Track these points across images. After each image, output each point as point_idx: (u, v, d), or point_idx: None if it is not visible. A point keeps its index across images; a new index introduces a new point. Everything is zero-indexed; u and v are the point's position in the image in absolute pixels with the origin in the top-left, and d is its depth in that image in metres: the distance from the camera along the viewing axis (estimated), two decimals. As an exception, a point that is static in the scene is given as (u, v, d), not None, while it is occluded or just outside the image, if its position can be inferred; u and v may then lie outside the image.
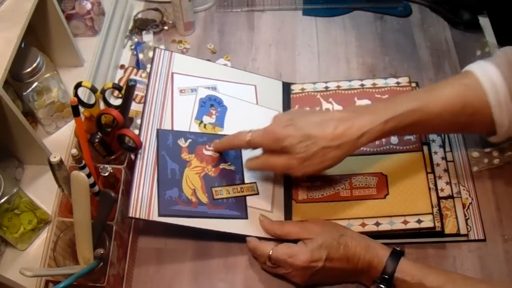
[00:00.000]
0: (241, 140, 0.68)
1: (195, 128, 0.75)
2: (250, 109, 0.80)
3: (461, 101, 0.63)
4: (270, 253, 0.64)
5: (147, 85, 0.76)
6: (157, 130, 0.72)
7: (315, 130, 0.62)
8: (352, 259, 0.62)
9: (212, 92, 0.79)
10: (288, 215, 0.72)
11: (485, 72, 0.64)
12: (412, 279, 0.60)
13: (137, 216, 0.65)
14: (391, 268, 0.61)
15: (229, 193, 0.71)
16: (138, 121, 0.75)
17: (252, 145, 0.67)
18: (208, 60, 0.93)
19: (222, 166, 0.73)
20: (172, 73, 0.78)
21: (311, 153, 0.62)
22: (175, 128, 0.74)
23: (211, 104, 0.78)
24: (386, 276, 0.61)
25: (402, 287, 0.61)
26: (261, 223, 0.69)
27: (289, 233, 0.66)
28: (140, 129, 0.71)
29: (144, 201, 0.66)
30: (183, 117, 0.75)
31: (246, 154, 0.75)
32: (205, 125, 0.76)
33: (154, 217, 0.66)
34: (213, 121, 0.77)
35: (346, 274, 0.64)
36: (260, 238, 0.68)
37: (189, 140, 0.74)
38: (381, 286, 0.61)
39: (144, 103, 0.74)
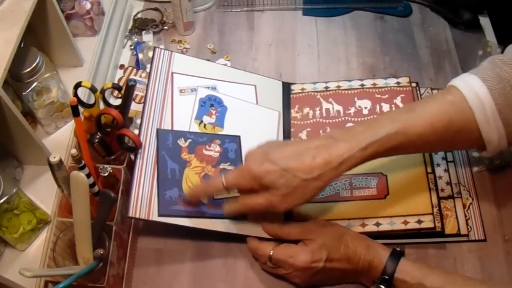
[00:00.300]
0: (216, 186, 0.63)
1: (195, 128, 0.75)
2: (250, 109, 0.80)
3: (445, 120, 0.60)
4: (271, 254, 0.64)
5: (147, 85, 0.76)
6: (157, 130, 0.72)
7: (293, 163, 0.59)
8: (352, 259, 0.62)
9: (212, 92, 0.79)
10: (288, 215, 0.72)
11: (470, 88, 0.60)
12: (412, 279, 0.60)
13: (137, 216, 0.65)
14: (391, 268, 0.61)
15: (229, 193, 0.71)
16: (138, 121, 0.75)
17: (229, 188, 0.63)
18: (208, 60, 0.93)
19: (222, 166, 0.73)
20: (172, 73, 0.78)
21: (292, 188, 0.59)
22: (175, 128, 0.74)
23: (211, 104, 0.78)
24: (386, 277, 0.61)
25: (402, 287, 0.61)
26: (262, 224, 0.69)
27: (290, 234, 0.66)
28: (140, 129, 0.71)
29: (144, 201, 0.66)
30: (183, 117, 0.75)
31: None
32: (205, 125, 0.76)
33: (154, 217, 0.65)
34: (213, 121, 0.76)
35: (346, 274, 0.64)
36: (260, 238, 0.68)
37: (189, 140, 0.73)
38: (381, 286, 0.61)
39: (144, 103, 0.74)
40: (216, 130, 0.76)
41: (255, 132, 0.76)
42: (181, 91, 0.77)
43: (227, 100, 0.79)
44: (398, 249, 0.63)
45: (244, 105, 0.80)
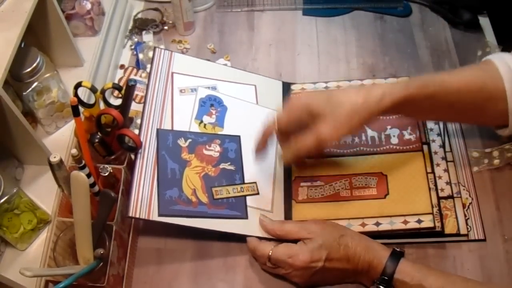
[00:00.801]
0: (269, 128, 0.69)
1: (195, 128, 0.75)
2: (250, 109, 0.80)
3: (479, 82, 0.65)
4: (270, 254, 0.64)
5: (147, 85, 0.76)
6: (157, 130, 0.72)
7: (339, 93, 0.65)
8: (352, 259, 0.62)
9: (212, 92, 0.79)
10: (288, 215, 0.72)
11: (503, 61, 0.65)
12: (411, 280, 0.60)
13: (137, 216, 0.65)
14: (391, 269, 0.61)
15: (229, 193, 0.71)
16: (138, 121, 0.75)
17: (281, 126, 0.67)
18: (208, 60, 0.93)
19: (222, 166, 0.73)
20: (172, 73, 0.78)
21: (338, 114, 0.62)
22: (175, 128, 0.74)
23: (211, 104, 0.78)
24: (386, 277, 0.61)
25: None
26: (261, 223, 0.69)
27: (289, 233, 0.66)
28: (140, 129, 0.71)
29: (144, 201, 0.66)
30: (183, 117, 0.75)
31: (246, 154, 0.75)
32: (205, 125, 0.76)
33: (154, 217, 0.66)
34: (213, 121, 0.76)
35: (346, 274, 0.64)
36: (260, 238, 0.68)
37: (189, 140, 0.73)
38: (380, 287, 0.61)
39: (144, 103, 0.74)
40: (216, 130, 0.76)
41: (255, 131, 0.76)
42: (181, 91, 0.77)
43: (227, 100, 0.79)
44: (398, 249, 0.63)
45: (244, 105, 0.80)
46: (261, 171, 0.74)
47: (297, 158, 0.68)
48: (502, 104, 0.65)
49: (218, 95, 0.79)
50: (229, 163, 0.73)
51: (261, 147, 0.72)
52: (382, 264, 0.61)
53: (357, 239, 0.64)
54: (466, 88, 0.64)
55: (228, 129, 0.76)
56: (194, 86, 0.79)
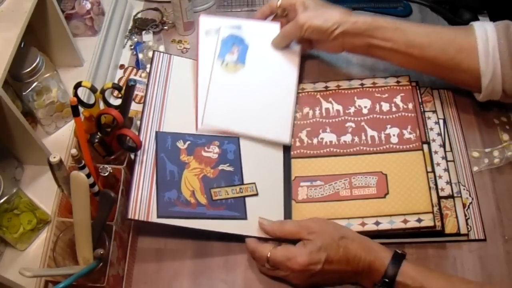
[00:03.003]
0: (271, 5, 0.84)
1: (218, 68, 0.78)
2: (272, 47, 0.82)
3: (452, 34, 0.72)
4: (268, 255, 0.64)
5: (146, 88, 0.76)
6: (156, 132, 0.72)
7: (328, 7, 0.78)
8: (352, 261, 0.62)
9: (234, 31, 0.82)
10: (287, 215, 0.72)
11: (481, 24, 0.71)
12: (413, 283, 0.59)
13: (136, 218, 0.65)
14: (393, 271, 0.60)
15: (228, 194, 0.71)
16: (138, 122, 0.75)
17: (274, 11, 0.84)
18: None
19: (221, 167, 0.73)
20: (199, 16, 0.83)
21: (319, 11, 0.76)
22: (200, 71, 0.78)
23: (233, 43, 0.81)
24: (387, 280, 0.60)
25: None
26: (260, 225, 0.68)
27: (289, 234, 0.66)
28: (139, 132, 0.71)
29: (143, 203, 0.66)
30: (207, 59, 0.79)
31: (246, 155, 0.75)
32: (227, 64, 0.79)
33: (153, 218, 0.66)
34: (235, 58, 0.79)
35: (345, 275, 0.64)
36: (259, 239, 0.68)
37: (188, 142, 0.74)
38: None
39: (143, 106, 0.74)
40: (237, 68, 0.79)
41: (275, 68, 0.80)
42: (206, 32, 0.81)
43: (249, 38, 0.82)
44: (400, 251, 0.63)
45: (266, 43, 0.82)
46: (260, 172, 0.74)
47: (281, 42, 0.81)
48: (474, 62, 0.69)
49: (239, 34, 0.81)
50: (228, 164, 0.73)
51: (259, 15, 0.84)
52: (383, 266, 0.61)
53: (358, 241, 0.63)
54: (438, 34, 0.70)
55: (249, 66, 0.79)
56: (218, 27, 0.82)
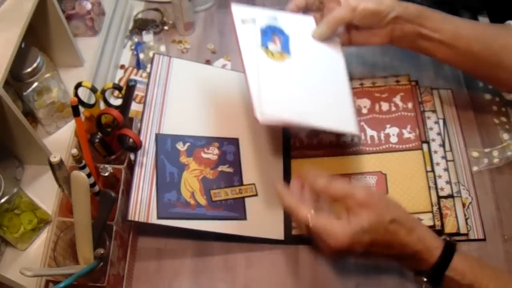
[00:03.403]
0: None
1: (263, 55, 0.70)
2: (311, 37, 0.75)
3: (495, 30, 0.70)
4: (309, 219, 0.57)
5: (146, 90, 0.76)
6: (156, 134, 0.73)
7: None
8: (398, 247, 0.57)
9: (271, 22, 0.74)
10: (287, 215, 0.72)
11: None
12: (462, 279, 0.56)
13: (136, 219, 0.65)
14: (443, 265, 0.56)
15: (227, 195, 0.71)
16: (138, 124, 0.75)
17: None
18: (208, 60, 0.93)
19: (220, 168, 0.73)
20: (230, 3, 0.73)
21: None
22: (244, 58, 0.68)
23: (273, 32, 0.73)
24: (436, 273, 0.56)
25: (450, 285, 0.57)
26: (303, 175, 0.62)
27: (334, 196, 0.58)
28: (139, 134, 0.71)
29: (143, 204, 0.66)
30: (249, 47, 0.70)
31: (245, 156, 0.75)
32: (272, 52, 0.71)
33: (153, 219, 0.66)
34: (279, 48, 0.72)
35: (387, 258, 0.59)
36: (261, 240, 0.68)
37: (188, 144, 0.74)
38: (424, 279, 0.57)
39: (144, 107, 0.74)
40: (284, 57, 0.71)
41: (322, 58, 0.74)
42: (242, 21, 0.73)
43: (287, 29, 0.74)
44: (451, 241, 0.58)
45: (306, 33, 0.75)
46: (260, 173, 0.74)
47: (326, 30, 0.72)
48: None
49: (277, 25, 0.74)
50: (227, 165, 0.74)
51: (293, 6, 0.75)
52: (432, 257, 0.56)
53: (408, 226, 0.57)
54: (482, 29, 0.69)
55: (295, 55, 0.72)
56: (254, 16, 0.74)
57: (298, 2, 0.76)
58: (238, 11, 0.73)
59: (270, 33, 0.72)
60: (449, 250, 0.57)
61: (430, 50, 0.73)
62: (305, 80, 0.70)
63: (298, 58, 0.71)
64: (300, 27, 0.75)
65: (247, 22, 0.72)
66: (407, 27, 0.70)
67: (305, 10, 0.77)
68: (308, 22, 0.76)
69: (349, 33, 0.75)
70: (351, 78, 0.84)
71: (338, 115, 0.68)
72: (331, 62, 0.73)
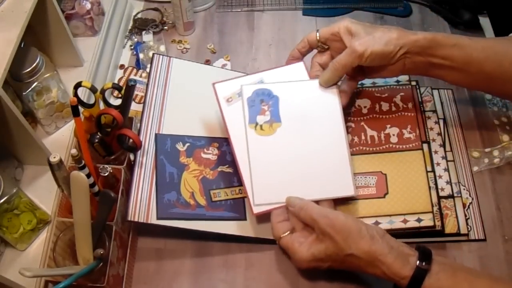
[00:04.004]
0: (310, 38, 0.76)
1: (252, 134, 0.70)
2: (304, 88, 0.74)
3: (505, 46, 0.67)
4: (281, 237, 0.64)
5: (146, 90, 0.76)
6: (156, 134, 0.73)
7: (377, 28, 0.69)
8: (361, 272, 0.61)
9: (259, 86, 0.73)
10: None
11: None
12: None
13: (136, 220, 0.65)
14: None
15: (227, 195, 0.71)
16: (138, 125, 0.75)
17: (322, 41, 0.75)
18: (208, 60, 0.93)
19: (220, 168, 0.73)
20: (213, 84, 0.73)
21: (373, 35, 0.67)
22: (233, 141, 0.70)
23: (261, 100, 0.72)
24: None
25: None
26: (287, 200, 0.66)
27: (305, 220, 0.63)
28: (139, 134, 0.71)
29: (142, 204, 0.66)
30: (237, 129, 0.71)
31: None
32: (261, 126, 0.71)
33: (153, 220, 0.66)
34: (268, 118, 0.71)
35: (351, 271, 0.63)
36: (261, 240, 0.68)
37: (187, 144, 0.74)
38: None
39: (143, 108, 0.74)
40: (274, 127, 0.71)
41: (316, 114, 0.72)
42: (227, 100, 0.72)
43: (276, 88, 0.73)
44: (423, 264, 0.56)
45: (297, 86, 0.74)
46: None
47: (333, 76, 0.71)
48: None
49: (265, 87, 0.73)
50: (227, 165, 0.73)
51: (297, 54, 0.76)
52: (402, 284, 0.57)
53: (368, 260, 0.58)
54: (492, 48, 0.66)
55: (286, 122, 0.71)
56: (238, 89, 0.73)
57: (300, 49, 0.76)
58: (222, 89, 0.73)
59: (258, 102, 0.72)
60: (419, 277, 0.56)
61: (442, 76, 0.72)
62: (296, 149, 0.70)
63: (289, 124, 0.71)
64: (290, 80, 0.75)
65: (233, 99, 0.72)
66: (418, 59, 0.69)
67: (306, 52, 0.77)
68: (297, 71, 0.76)
69: (359, 70, 0.73)
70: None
71: (335, 181, 0.69)
72: (327, 117, 0.72)
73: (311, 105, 0.72)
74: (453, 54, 0.68)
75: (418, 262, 0.57)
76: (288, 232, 0.64)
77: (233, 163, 0.73)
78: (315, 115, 0.72)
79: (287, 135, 0.71)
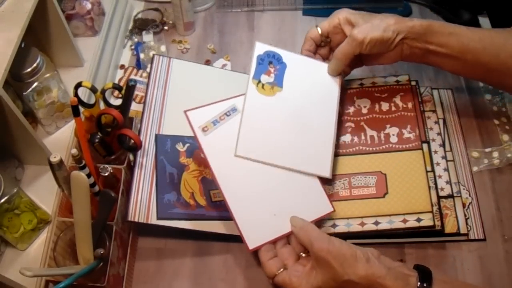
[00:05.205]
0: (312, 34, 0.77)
1: (253, 89, 0.71)
2: (312, 66, 0.76)
3: (503, 37, 0.68)
4: (276, 274, 0.62)
5: (146, 91, 0.76)
6: (156, 135, 0.73)
7: (375, 16, 0.73)
8: None
9: (272, 48, 0.75)
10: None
11: None
12: None
13: (136, 220, 0.65)
14: None
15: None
16: (138, 125, 0.75)
17: (324, 34, 0.77)
18: (208, 60, 0.93)
19: None
20: (185, 112, 0.69)
21: (371, 22, 0.71)
22: (216, 173, 0.67)
23: (270, 61, 0.74)
24: None
25: None
26: (292, 219, 0.66)
27: (303, 242, 0.63)
28: (139, 135, 0.71)
29: (142, 205, 0.67)
30: (218, 157, 0.68)
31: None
32: (263, 85, 0.72)
33: (153, 220, 0.66)
34: (271, 80, 0.73)
35: None
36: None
37: (187, 145, 0.74)
38: None
39: (143, 108, 0.74)
40: (274, 91, 0.73)
41: (317, 91, 0.75)
42: (203, 129, 0.70)
43: (287, 56, 0.75)
44: (424, 286, 0.55)
45: (306, 62, 0.76)
46: None
47: (339, 65, 0.74)
48: None
49: (277, 52, 0.75)
50: None
51: (309, 54, 0.76)
52: None
53: (366, 285, 0.56)
54: (490, 39, 0.67)
55: (287, 89, 0.73)
56: (213, 116, 0.71)
57: (307, 47, 0.77)
58: (196, 117, 0.69)
59: (267, 62, 0.74)
60: None
61: (439, 64, 0.73)
62: (288, 118, 0.72)
63: (289, 93, 0.73)
64: (301, 59, 0.76)
65: (208, 128, 0.69)
66: (415, 45, 0.71)
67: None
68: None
69: (359, 58, 0.76)
70: (351, 78, 0.85)
71: (314, 158, 0.71)
72: (324, 99, 0.75)
73: (313, 84, 0.75)
74: (449, 42, 0.69)
75: (419, 283, 0.55)
76: (282, 269, 0.62)
77: None
78: (314, 94, 0.75)
79: (285, 102, 0.73)
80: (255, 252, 0.66)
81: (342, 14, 0.73)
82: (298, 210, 0.67)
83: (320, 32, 0.76)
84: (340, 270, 0.57)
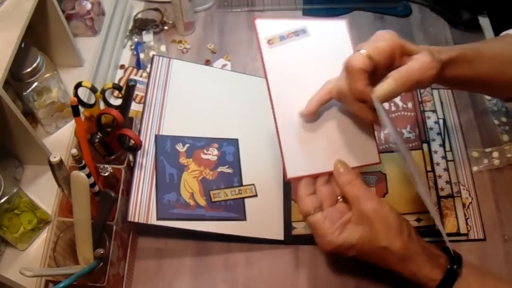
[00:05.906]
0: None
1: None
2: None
3: (509, 54, 0.62)
4: (311, 213, 0.58)
5: (146, 91, 0.76)
6: (156, 135, 0.73)
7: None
8: (388, 268, 0.57)
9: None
10: (287, 216, 0.72)
11: None
12: None
13: (136, 220, 0.65)
14: None
15: (227, 196, 0.71)
16: (138, 126, 0.75)
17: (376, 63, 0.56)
18: (208, 60, 0.93)
19: (220, 169, 0.73)
20: (255, 20, 0.63)
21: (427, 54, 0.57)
22: (272, 90, 0.61)
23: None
24: None
25: None
26: (338, 169, 0.60)
27: (347, 195, 0.58)
28: (139, 135, 0.71)
29: (142, 205, 0.67)
30: (277, 75, 0.62)
31: (245, 157, 0.75)
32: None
33: (153, 221, 0.66)
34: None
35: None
36: (260, 240, 0.68)
37: (187, 145, 0.74)
38: None
39: (143, 109, 0.74)
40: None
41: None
42: (269, 42, 0.63)
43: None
44: (454, 268, 0.55)
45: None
46: (259, 173, 0.74)
47: (399, 91, 0.55)
48: None
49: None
50: (227, 166, 0.74)
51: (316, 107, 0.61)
52: (431, 286, 0.55)
53: (402, 256, 0.55)
54: (499, 58, 0.62)
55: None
56: (282, 32, 0.64)
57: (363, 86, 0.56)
58: (264, 28, 0.63)
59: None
60: (449, 281, 0.55)
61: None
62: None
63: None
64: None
65: (274, 42, 0.63)
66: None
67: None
68: (339, 28, 0.67)
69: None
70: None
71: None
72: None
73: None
74: (466, 73, 0.61)
75: (449, 265, 0.55)
76: (317, 209, 0.58)
77: (233, 163, 0.74)
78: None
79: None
80: (255, 252, 0.66)
81: (394, 40, 0.60)
82: (346, 151, 0.63)
83: (373, 61, 0.56)
84: (382, 235, 0.55)
